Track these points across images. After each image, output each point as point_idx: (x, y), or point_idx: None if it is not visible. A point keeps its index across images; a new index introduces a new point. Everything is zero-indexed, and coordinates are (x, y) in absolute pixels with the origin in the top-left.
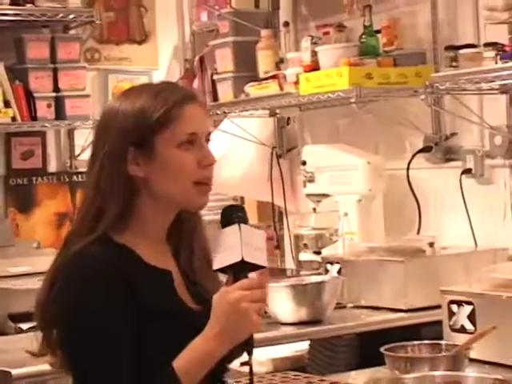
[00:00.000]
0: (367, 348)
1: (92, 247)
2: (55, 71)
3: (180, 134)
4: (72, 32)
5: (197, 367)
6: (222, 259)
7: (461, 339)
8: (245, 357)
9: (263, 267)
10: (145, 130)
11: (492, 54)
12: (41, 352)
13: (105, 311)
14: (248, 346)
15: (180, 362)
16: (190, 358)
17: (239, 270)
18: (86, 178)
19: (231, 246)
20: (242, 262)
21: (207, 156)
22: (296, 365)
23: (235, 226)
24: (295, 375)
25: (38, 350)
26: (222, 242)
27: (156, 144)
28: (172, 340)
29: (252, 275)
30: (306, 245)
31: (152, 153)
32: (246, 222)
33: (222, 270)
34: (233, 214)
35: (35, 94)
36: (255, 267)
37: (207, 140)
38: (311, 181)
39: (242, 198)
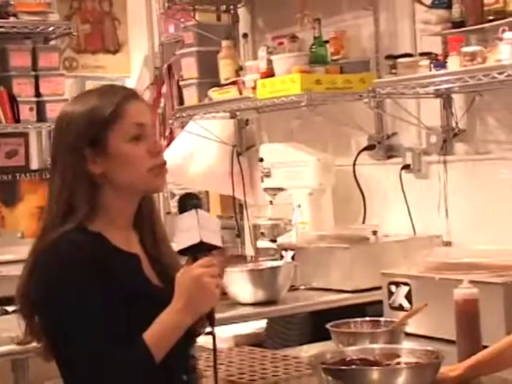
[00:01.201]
0: (318, 325)
1: (67, 235)
2: (36, 78)
3: (129, 128)
4: (52, 43)
5: (165, 338)
6: (182, 241)
7: (399, 316)
8: (208, 328)
9: (219, 247)
10: (97, 130)
11: (427, 62)
12: (25, 340)
13: (81, 294)
14: (210, 317)
15: (150, 335)
16: (158, 330)
17: (198, 250)
18: (50, 175)
19: (190, 229)
20: (201, 243)
21: (155, 145)
22: (255, 341)
23: (192, 212)
24: (250, 350)
25: (22, 338)
26: (181, 226)
27: (109, 141)
28: (142, 315)
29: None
30: (263, 233)
31: (106, 150)
32: (201, 207)
33: (183, 252)
34: (188, 201)
35: (18, 99)
36: (212, 247)
37: (153, 133)
38: (268, 176)
39: (207, 192)
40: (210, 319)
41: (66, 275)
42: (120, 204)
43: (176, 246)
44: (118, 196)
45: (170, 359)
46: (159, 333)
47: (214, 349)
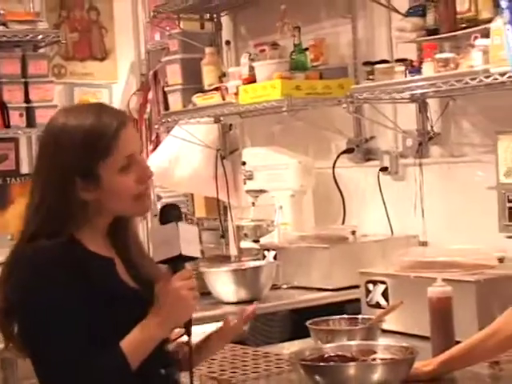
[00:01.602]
0: (298, 323)
1: (45, 245)
2: (26, 85)
3: (119, 160)
4: (41, 50)
5: (142, 348)
6: (162, 253)
7: (376, 313)
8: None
9: (197, 258)
10: (88, 163)
11: (402, 68)
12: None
13: (59, 297)
14: (187, 327)
15: (127, 343)
16: (135, 339)
17: (178, 262)
18: (31, 185)
19: (170, 242)
20: (180, 255)
21: (145, 172)
22: (238, 338)
23: (173, 224)
24: (232, 347)
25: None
26: (162, 238)
27: (100, 173)
28: (119, 317)
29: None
30: (246, 234)
31: (98, 180)
32: (181, 219)
33: (163, 262)
34: (170, 212)
35: (8, 105)
36: (190, 259)
37: (142, 158)
38: (250, 178)
39: (192, 195)
40: (186, 329)
41: (44, 278)
42: (100, 220)
43: (156, 256)
44: (100, 215)
45: (148, 355)
46: (136, 342)
47: (190, 357)
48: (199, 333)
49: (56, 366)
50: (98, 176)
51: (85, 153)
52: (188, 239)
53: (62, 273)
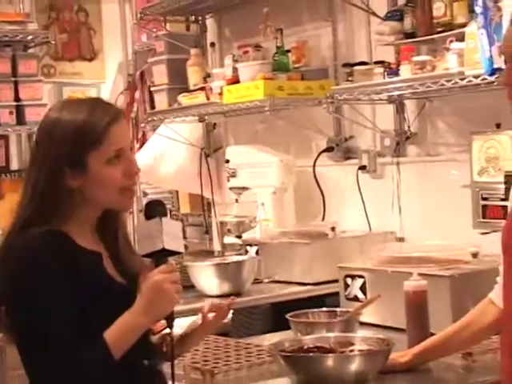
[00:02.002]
0: (279, 315)
1: (33, 235)
2: (16, 84)
3: (108, 152)
4: (31, 50)
5: (125, 338)
6: (146, 247)
7: (354, 306)
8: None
9: (180, 253)
10: (77, 153)
11: (381, 70)
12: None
13: (48, 288)
14: (169, 320)
15: (111, 334)
16: (119, 330)
17: (161, 256)
18: (26, 177)
19: (154, 236)
20: (163, 249)
21: (132, 167)
22: (221, 330)
23: (157, 219)
24: (215, 338)
25: None
26: (147, 232)
27: (88, 162)
28: (106, 310)
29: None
30: (229, 230)
31: (85, 169)
32: (165, 214)
33: (147, 256)
34: (154, 208)
35: None
36: (173, 253)
37: (130, 154)
38: (234, 176)
39: (177, 191)
40: (168, 322)
41: (33, 268)
42: (86, 212)
43: (140, 250)
44: (87, 206)
45: (132, 346)
46: (119, 333)
47: (172, 349)
48: (183, 325)
49: (42, 357)
50: (86, 165)
51: (75, 143)
52: (171, 234)
53: (51, 264)
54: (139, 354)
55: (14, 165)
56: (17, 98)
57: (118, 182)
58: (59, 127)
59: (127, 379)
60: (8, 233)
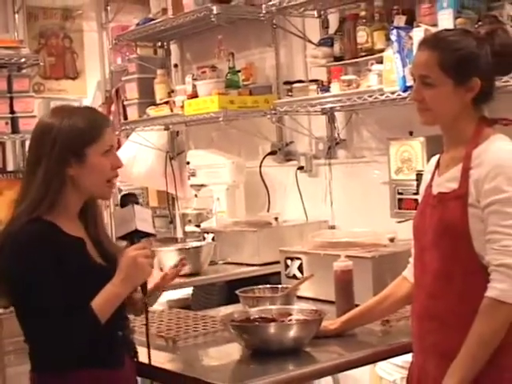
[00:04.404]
0: (232, 291)
1: (25, 225)
2: (11, 99)
3: (104, 146)
4: (24, 71)
5: (109, 305)
6: (121, 229)
7: (293, 283)
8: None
9: (151, 234)
10: (81, 145)
11: (315, 87)
12: None
13: (40, 269)
14: (143, 288)
15: (97, 303)
16: (103, 298)
17: (134, 236)
18: (30, 172)
19: (128, 220)
20: (136, 230)
21: (118, 161)
22: (183, 304)
23: (130, 206)
24: (177, 311)
25: None
26: (121, 217)
27: (88, 153)
28: (89, 288)
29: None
30: (190, 220)
31: (84, 159)
32: (137, 203)
33: (123, 237)
34: (128, 199)
35: None
36: (146, 234)
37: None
38: (193, 175)
39: (147, 188)
40: (143, 290)
41: (26, 255)
42: (75, 200)
43: (117, 233)
44: (76, 194)
45: (109, 319)
46: (103, 300)
47: (147, 312)
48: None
49: (37, 324)
50: (86, 156)
51: (79, 138)
52: (143, 218)
53: (42, 251)
54: (115, 326)
55: (10, 167)
56: (12, 111)
57: (107, 173)
58: (64, 129)
59: (107, 347)
60: (7, 222)
